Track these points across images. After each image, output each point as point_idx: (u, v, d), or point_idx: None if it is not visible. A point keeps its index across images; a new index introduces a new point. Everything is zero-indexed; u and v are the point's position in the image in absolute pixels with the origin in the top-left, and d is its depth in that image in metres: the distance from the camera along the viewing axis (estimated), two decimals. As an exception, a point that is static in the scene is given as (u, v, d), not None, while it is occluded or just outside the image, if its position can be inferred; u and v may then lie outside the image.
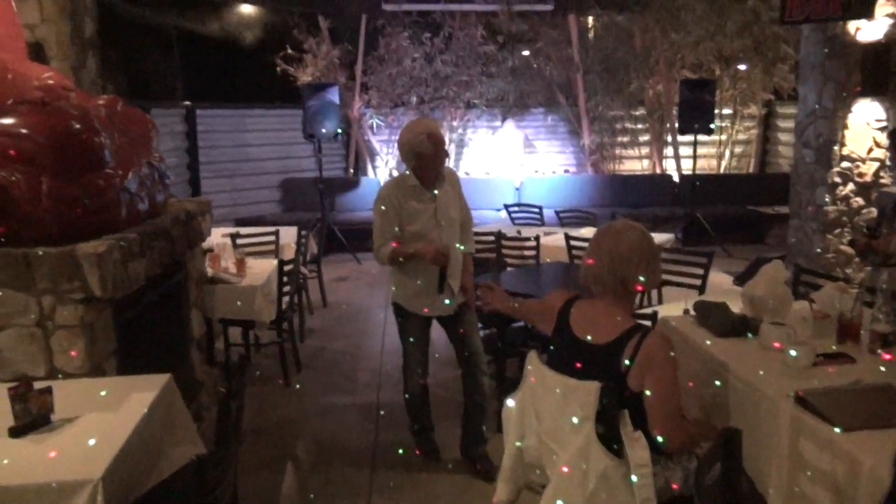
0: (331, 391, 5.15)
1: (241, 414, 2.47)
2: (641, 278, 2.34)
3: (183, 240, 4.19)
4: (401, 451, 4.15)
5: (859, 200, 7.11)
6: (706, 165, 11.05)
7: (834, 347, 2.63)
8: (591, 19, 10.93)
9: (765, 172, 11.26)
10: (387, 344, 6.13)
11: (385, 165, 11.00)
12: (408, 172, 3.72)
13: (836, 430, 1.89)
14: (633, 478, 2.06)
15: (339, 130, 9.28)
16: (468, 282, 3.85)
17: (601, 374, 2.24)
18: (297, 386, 5.23)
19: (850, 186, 7.17)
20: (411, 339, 3.86)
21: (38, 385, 2.48)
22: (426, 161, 3.59)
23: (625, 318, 2.35)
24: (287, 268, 5.22)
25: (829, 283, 2.92)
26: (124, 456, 2.30)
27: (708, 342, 2.71)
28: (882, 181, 7.06)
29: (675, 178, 10.90)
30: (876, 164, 7.03)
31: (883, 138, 7.09)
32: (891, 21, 6.76)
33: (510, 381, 4.53)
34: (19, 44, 3.88)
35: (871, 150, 7.10)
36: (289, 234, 6.74)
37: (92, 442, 2.31)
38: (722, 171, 11.18)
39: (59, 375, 3.11)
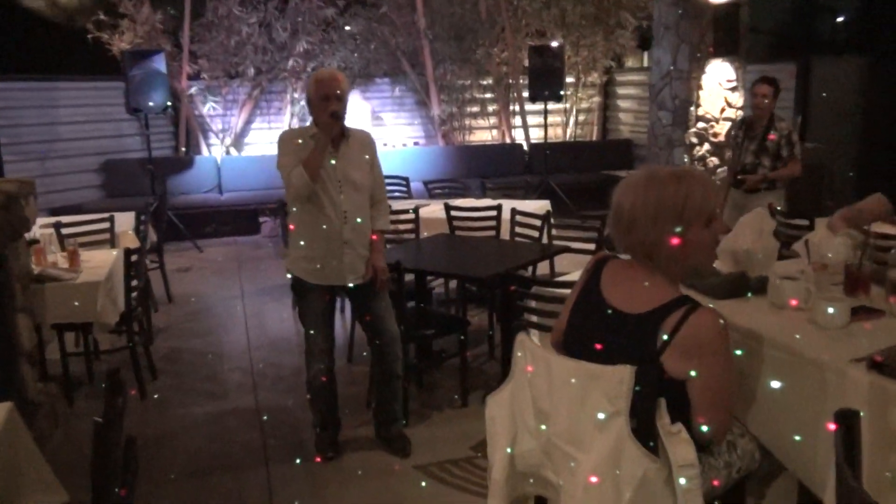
0: (198, 399, 4.44)
1: (134, 450, 1.82)
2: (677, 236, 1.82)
3: (5, 230, 3.33)
4: (298, 460, 3.59)
5: (715, 160, 7.28)
6: (553, 134, 11.06)
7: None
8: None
9: (607, 139, 11.46)
10: (252, 339, 5.45)
11: (221, 143, 10.04)
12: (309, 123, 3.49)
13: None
14: (682, 480, 1.67)
15: (169, 104, 8.26)
16: (379, 261, 3.50)
17: (630, 351, 1.82)
18: (156, 396, 4.47)
19: (706, 146, 7.34)
20: (311, 319, 3.47)
21: None
22: (313, 106, 3.34)
23: (669, 287, 1.90)
24: (133, 258, 4.45)
25: (817, 231, 2.68)
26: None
27: (711, 306, 2.35)
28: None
29: (525, 147, 10.82)
30: (728, 124, 7.21)
31: (734, 98, 7.29)
32: (739, -18, 6.94)
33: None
34: None
35: (723, 111, 7.30)
36: (124, 221, 5.87)
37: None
38: (567, 138, 11.24)
39: None
